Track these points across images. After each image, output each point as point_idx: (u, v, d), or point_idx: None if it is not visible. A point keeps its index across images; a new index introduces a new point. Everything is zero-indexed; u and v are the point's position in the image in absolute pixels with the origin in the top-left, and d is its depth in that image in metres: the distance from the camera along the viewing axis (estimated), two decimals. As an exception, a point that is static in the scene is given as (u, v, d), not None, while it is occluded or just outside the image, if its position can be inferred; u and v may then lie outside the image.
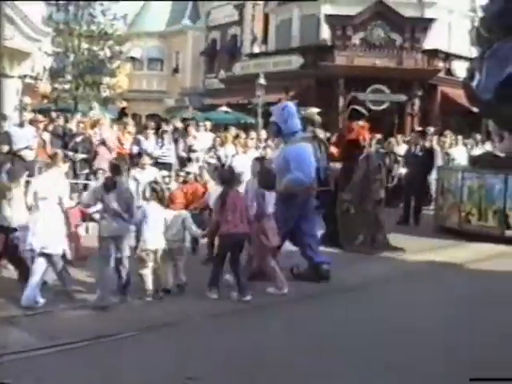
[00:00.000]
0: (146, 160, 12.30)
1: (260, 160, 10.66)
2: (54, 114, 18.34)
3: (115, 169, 8.42)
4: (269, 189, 8.81)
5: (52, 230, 7.85)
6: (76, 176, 15.24)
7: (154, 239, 8.26)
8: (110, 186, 8.13)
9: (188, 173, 12.23)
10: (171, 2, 45.33)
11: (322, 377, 5.87)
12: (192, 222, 8.77)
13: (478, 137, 21.46)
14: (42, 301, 7.67)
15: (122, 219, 8.04)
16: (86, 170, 15.35)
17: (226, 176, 8.96)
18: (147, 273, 8.16)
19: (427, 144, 18.58)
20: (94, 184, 13.09)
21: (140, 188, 11.52)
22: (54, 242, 7.86)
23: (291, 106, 10.28)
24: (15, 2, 19.19)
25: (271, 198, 8.81)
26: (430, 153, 17.22)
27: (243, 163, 17.03)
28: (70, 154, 15.32)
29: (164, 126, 18.14)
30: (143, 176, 11.79)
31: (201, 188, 11.94)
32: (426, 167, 16.60)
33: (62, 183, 8.38)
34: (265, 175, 9.05)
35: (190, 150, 17.33)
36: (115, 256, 8.00)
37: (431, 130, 22.39)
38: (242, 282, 8.35)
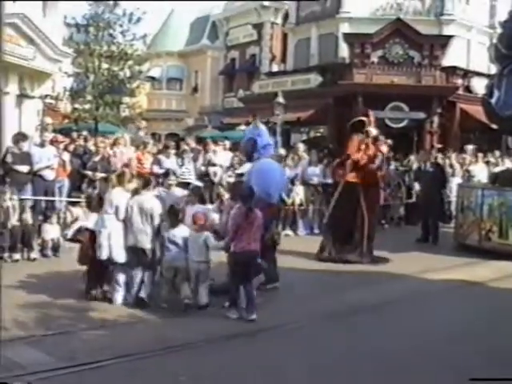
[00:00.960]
0: (173, 180, 12.29)
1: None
2: (74, 134, 18.50)
3: (145, 182, 9.40)
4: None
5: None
6: (97, 196, 15.31)
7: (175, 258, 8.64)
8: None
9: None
10: (190, 22, 45.67)
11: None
12: (214, 241, 8.74)
13: (497, 153, 21.35)
14: None
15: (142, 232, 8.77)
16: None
17: (245, 192, 8.76)
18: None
19: (440, 160, 18.60)
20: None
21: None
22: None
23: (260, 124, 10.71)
24: (36, 23, 19.42)
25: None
26: (440, 168, 17.18)
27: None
28: (90, 173, 15.46)
29: (183, 146, 18.25)
30: (169, 196, 11.72)
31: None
32: (438, 183, 16.54)
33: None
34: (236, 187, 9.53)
35: (209, 163, 17.42)
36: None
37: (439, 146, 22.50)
38: (252, 300, 8.31)
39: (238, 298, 8.46)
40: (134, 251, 8.85)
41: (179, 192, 12.28)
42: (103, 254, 8.73)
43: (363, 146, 13.03)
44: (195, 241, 8.62)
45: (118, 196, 9.00)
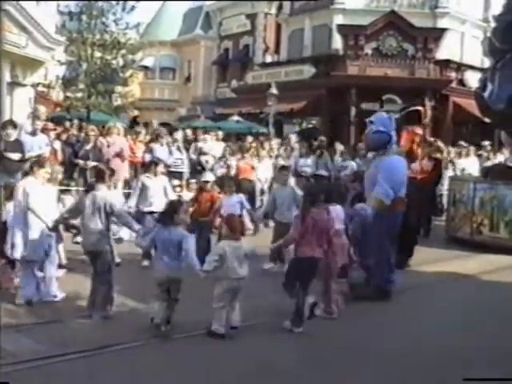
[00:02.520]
0: (161, 168, 12.15)
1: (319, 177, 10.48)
2: (67, 123, 18.44)
3: (98, 174, 8.12)
4: (333, 203, 8.23)
5: None
6: (87, 184, 15.28)
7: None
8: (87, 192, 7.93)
9: (206, 181, 12.07)
10: (183, 12, 45.56)
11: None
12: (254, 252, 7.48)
13: (489, 147, 21.35)
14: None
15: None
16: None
17: (313, 192, 7.91)
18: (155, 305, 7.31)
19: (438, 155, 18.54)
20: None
21: (150, 194, 11.64)
22: None
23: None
24: (29, 10, 19.29)
25: (339, 213, 8.20)
26: (437, 162, 17.13)
27: (256, 172, 17.18)
28: (81, 162, 15.41)
29: (176, 135, 18.21)
30: (153, 183, 11.75)
31: (217, 196, 11.92)
32: (433, 176, 16.51)
33: None
34: (328, 190, 8.46)
35: (200, 152, 17.42)
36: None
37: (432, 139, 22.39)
38: (301, 311, 7.41)
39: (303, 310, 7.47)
40: (92, 256, 7.87)
41: (165, 181, 12.35)
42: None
43: (417, 140, 12.39)
44: (235, 252, 7.12)
45: (31, 186, 8.21)
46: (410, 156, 11.72)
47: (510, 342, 7.33)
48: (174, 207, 7.53)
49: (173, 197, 11.86)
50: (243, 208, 11.31)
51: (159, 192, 11.64)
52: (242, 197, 11.77)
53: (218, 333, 7.05)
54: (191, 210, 11.27)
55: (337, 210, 8.17)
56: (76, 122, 19.36)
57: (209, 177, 12.22)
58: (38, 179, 8.28)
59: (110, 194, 8.18)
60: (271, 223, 11.64)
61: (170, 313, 7.21)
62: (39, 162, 8.71)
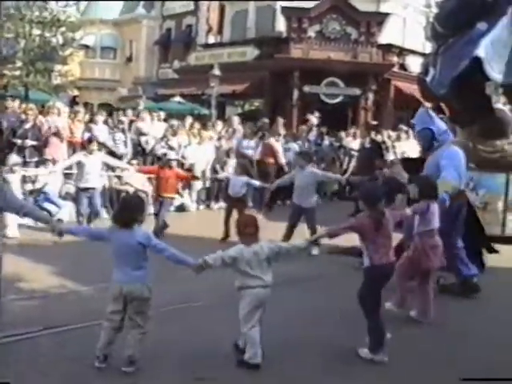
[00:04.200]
0: (94, 146, 12.39)
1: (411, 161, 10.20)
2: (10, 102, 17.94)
3: None
4: (431, 198, 7.61)
5: None
6: (26, 164, 14.98)
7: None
8: None
9: (171, 160, 12.66)
10: (126, -10, 44.92)
11: None
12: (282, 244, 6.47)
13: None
14: None
15: None
16: (36, 158, 15.08)
17: (374, 197, 6.48)
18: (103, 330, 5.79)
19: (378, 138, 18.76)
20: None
21: (87, 171, 11.84)
22: None
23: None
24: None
25: (435, 209, 7.59)
26: (377, 145, 17.33)
27: (197, 154, 17.09)
28: (19, 141, 15.07)
29: (121, 117, 18.04)
30: (89, 161, 12.04)
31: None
32: (374, 160, 16.69)
33: None
34: (425, 182, 7.86)
35: (140, 133, 17.28)
36: None
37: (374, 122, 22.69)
38: (379, 333, 6.25)
39: (383, 336, 6.26)
40: None
41: (101, 157, 12.57)
42: None
43: None
44: (255, 257, 5.94)
45: None
46: None
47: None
48: (136, 204, 6.08)
49: (117, 164, 12.40)
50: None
51: (96, 169, 12.06)
52: (247, 178, 12.33)
53: (252, 363, 5.85)
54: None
55: (434, 207, 7.61)
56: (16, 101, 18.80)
57: (174, 155, 12.87)
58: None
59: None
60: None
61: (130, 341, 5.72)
62: None
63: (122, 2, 44.21)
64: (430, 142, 9.39)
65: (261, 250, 5.94)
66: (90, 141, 12.87)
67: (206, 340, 6.46)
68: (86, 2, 41.39)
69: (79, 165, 12.30)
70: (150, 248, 5.73)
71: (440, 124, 9.60)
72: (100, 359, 5.67)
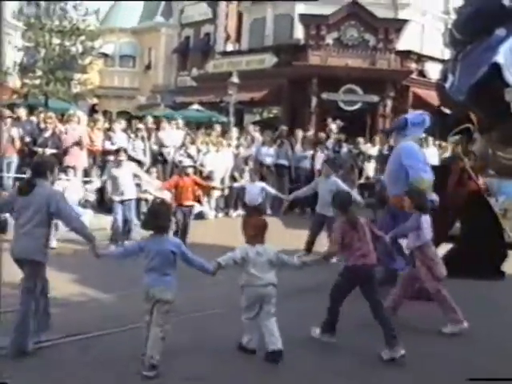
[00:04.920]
0: (123, 156, 12.16)
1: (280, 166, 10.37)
2: (23, 110, 18.08)
3: (37, 168, 6.62)
4: (424, 211, 7.64)
5: None
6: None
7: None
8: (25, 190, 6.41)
9: (188, 167, 12.51)
10: (144, -2, 45.15)
11: None
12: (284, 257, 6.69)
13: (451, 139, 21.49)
14: None
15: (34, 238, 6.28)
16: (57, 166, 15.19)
17: (344, 201, 7.26)
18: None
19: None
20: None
21: (120, 183, 11.74)
22: None
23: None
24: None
25: (427, 220, 7.63)
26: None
27: (215, 162, 17.15)
28: (39, 150, 15.21)
29: (138, 125, 18.12)
30: (121, 172, 11.86)
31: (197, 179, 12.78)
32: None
33: None
34: (419, 196, 7.87)
35: (161, 145, 17.32)
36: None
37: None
38: (390, 330, 6.52)
39: (336, 322, 6.89)
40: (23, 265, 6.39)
41: (133, 167, 12.45)
42: None
43: None
44: (258, 258, 6.42)
45: None
46: None
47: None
48: (164, 210, 6.36)
49: (146, 179, 12.26)
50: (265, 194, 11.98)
51: (128, 180, 11.88)
52: (264, 184, 12.20)
53: (248, 348, 6.48)
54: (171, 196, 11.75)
55: (426, 219, 7.62)
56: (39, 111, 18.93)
57: (189, 162, 12.68)
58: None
59: (55, 191, 6.86)
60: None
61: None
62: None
63: (140, 11, 44.44)
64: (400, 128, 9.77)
65: (264, 252, 6.40)
66: (117, 151, 12.69)
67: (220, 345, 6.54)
68: (105, 11, 41.62)
69: (112, 177, 12.20)
70: (179, 255, 6.04)
71: (417, 130, 9.87)
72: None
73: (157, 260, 5.95)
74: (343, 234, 6.83)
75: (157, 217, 6.15)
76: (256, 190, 12.26)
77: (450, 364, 6.38)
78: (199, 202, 14.39)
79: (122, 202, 11.93)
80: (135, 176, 12.40)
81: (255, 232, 6.51)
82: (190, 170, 12.59)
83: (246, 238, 6.55)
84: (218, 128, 19.23)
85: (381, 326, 6.56)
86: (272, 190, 12.72)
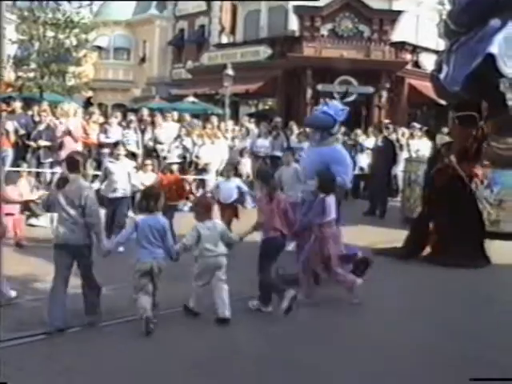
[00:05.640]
0: (121, 150, 11.83)
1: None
2: (18, 103, 18.03)
3: (71, 164, 7.10)
4: (328, 192, 8.20)
5: None
6: (40, 165, 15.08)
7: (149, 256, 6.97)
8: (62, 184, 7.12)
9: (172, 163, 12.17)
10: (138, -9, 44.96)
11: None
12: (229, 233, 7.74)
13: (445, 129, 21.53)
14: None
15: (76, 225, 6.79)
16: (50, 159, 15.18)
17: (266, 176, 8.16)
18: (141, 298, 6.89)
19: (393, 136, 18.76)
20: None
21: (115, 179, 11.42)
22: None
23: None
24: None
25: (332, 202, 8.19)
26: (391, 144, 17.36)
27: (211, 153, 17.13)
28: (32, 143, 15.20)
29: (131, 116, 18.04)
30: (117, 168, 11.50)
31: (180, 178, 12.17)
32: (388, 157, 16.75)
33: None
34: (325, 178, 8.41)
35: (155, 141, 17.19)
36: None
37: (386, 121, 22.71)
38: (267, 289, 7.59)
39: (271, 293, 7.59)
40: (63, 250, 6.88)
41: (130, 164, 12.20)
42: None
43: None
44: (209, 232, 7.27)
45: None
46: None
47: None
48: (155, 193, 7.38)
49: (136, 182, 11.85)
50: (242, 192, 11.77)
51: (124, 177, 11.47)
52: (238, 181, 12.02)
53: (194, 311, 7.28)
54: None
55: (329, 200, 8.14)
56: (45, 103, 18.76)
57: (174, 159, 12.33)
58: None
59: (86, 185, 7.23)
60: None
61: (154, 300, 7.01)
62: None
63: (134, 3, 44.30)
64: (324, 128, 9.80)
65: (213, 226, 7.35)
66: (115, 145, 12.45)
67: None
68: (99, 4, 41.46)
69: (107, 172, 11.46)
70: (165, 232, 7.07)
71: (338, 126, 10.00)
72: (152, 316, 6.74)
73: (151, 235, 6.93)
74: (263, 205, 7.77)
75: (149, 198, 7.19)
76: (230, 186, 11.87)
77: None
78: (187, 198, 13.80)
79: (112, 199, 11.46)
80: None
81: (203, 210, 7.43)
82: (175, 167, 12.37)
83: (197, 216, 7.43)
84: (214, 120, 19.10)
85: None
86: (245, 187, 12.34)
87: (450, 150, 11.69)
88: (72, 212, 6.79)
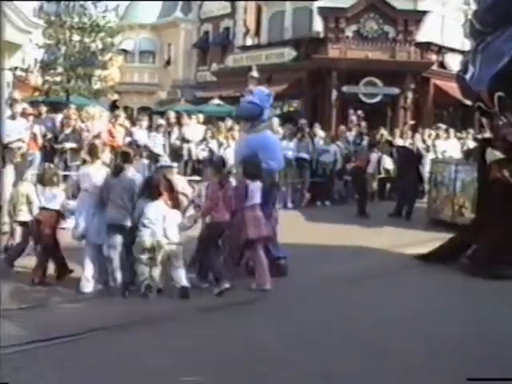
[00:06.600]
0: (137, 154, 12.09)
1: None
2: (44, 107, 18.22)
3: (124, 156, 8.71)
4: (253, 178, 8.83)
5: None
6: (67, 167, 15.22)
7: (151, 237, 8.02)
8: (116, 172, 8.38)
9: (168, 167, 12.12)
10: (163, -6, 45.17)
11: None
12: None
13: (471, 130, 21.43)
14: None
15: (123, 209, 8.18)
16: (77, 162, 15.31)
17: (219, 164, 9.14)
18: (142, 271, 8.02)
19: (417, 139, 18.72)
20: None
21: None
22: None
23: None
24: (6, -7, 19.04)
25: (256, 187, 8.81)
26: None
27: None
28: (58, 146, 15.37)
29: (160, 120, 18.20)
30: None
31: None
32: (414, 158, 16.72)
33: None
34: (249, 165, 9.05)
35: (183, 139, 17.35)
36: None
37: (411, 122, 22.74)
38: (218, 270, 8.46)
39: (208, 271, 8.65)
40: (114, 229, 8.17)
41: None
42: (78, 234, 8.37)
43: None
44: (151, 209, 8.16)
45: (95, 171, 8.41)
46: None
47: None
48: (156, 181, 8.56)
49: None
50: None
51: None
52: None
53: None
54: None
55: (252, 186, 8.76)
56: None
57: (168, 163, 12.56)
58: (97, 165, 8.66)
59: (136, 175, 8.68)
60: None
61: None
62: (95, 146, 9.15)
63: (159, 7, 44.52)
64: (253, 117, 9.83)
65: (158, 207, 8.12)
66: (136, 147, 12.60)
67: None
68: (125, 7, 41.69)
69: None
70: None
71: (268, 112, 10.04)
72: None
73: (153, 219, 7.98)
74: (213, 192, 8.50)
75: (149, 186, 8.28)
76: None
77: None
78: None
79: None
80: None
81: (155, 192, 8.26)
82: (171, 172, 12.24)
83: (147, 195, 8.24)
84: (228, 122, 19.17)
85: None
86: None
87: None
88: (125, 196, 8.10)
